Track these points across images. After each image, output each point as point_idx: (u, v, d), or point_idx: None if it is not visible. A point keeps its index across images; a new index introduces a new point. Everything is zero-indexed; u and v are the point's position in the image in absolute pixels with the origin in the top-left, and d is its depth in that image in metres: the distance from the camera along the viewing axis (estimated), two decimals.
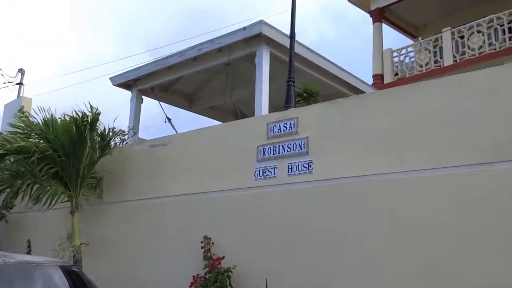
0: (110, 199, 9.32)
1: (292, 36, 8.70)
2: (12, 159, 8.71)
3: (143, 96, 12.03)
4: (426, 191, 5.77)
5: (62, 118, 8.86)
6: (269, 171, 7.19)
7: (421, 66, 14.83)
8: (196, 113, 13.90)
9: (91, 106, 8.84)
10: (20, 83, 18.58)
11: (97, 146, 8.97)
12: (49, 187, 8.58)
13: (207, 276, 7.05)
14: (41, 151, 8.47)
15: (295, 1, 8.93)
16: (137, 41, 49.02)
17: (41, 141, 8.85)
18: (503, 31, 13.37)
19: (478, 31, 13.68)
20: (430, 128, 5.91)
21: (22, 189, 8.53)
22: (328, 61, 10.86)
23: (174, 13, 50.75)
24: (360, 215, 6.18)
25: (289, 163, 7.00)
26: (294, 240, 6.66)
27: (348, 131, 6.63)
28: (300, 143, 6.97)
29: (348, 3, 17.46)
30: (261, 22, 9.20)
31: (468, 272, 5.31)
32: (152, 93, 11.89)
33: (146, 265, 8.25)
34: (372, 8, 16.80)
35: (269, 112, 9.02)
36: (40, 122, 8.94)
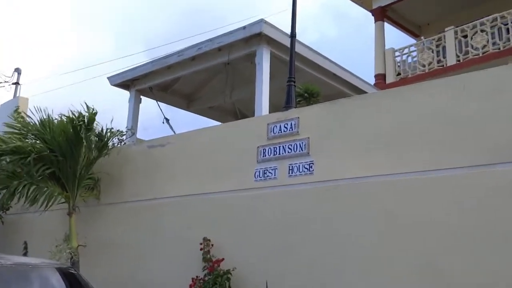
0: (107, 200, 9.33)
1: (292, 35, 8.70)
2: (8, 159, 8.72)
3: (141, 96, 12.05)
4: (427, 192, 5.78)
5: (59, 119, 8.87)
6: (269, 172, 7.19)
7: (423, 66, 14.84)
8: (196, 113, 13.91)
9: (87, 106, 8.86)
10: (17, 83, 18.57)
11: (93, 146, 8.98)
12: (46, 188, 8.60)
13: (206, 278, 7.06)
14: (38, 152, 8.48)
15: (295, 0, 8.94)
16: (137, 41, 49.09)
17: (37, 141, 8.87)
18: (507, 30, 13.36)
19: (482, 30, 13.69)
20: (432, 129, 5.92)
21: (19, 190, 8.54)
22: (330, 60, 10.87)
23: (173, 13, 50.86)
24: (361, 216, 6.19)
25: (289, 164, 7.01)
26: (294, 241, 6.67)
27: (349, 132, 6.64)
28: (301, 143, 6.98)
29: (350, 1, 17.49)
30: (261, 21, 9.22)
31: (468, 272, 5.32)
32: (151, 93, 11.91)
33: (144, 267, 8.26)
34: (374, 6, 16.81)
35: (270, 112, 9.03)
36: (37, 123, 8.95)
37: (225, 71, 11.18)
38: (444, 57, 14.42)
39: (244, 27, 9.42)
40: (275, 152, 7.21)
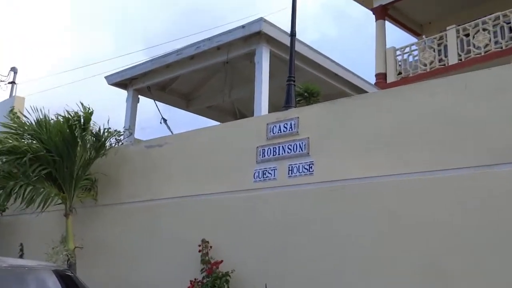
0: (105, 201, 9.31)
1: (292, 34, 8.69)
2: (4, 159, 8.70)
3: (139, 96, 12.04)
4: (429, 192, 5.78)
5: (55, 119, 8.86)
6: (268, 172, 7.19)
7: (425, 65, 14.83)
8: (194, 113, 13.91)
9: (83, 105, 8.86)
10: (13, 82, 18.59)
11: (89, 146, 8.97)
12: (42, 189, 8.58)
13: (204, 281, 7.05)
14: (34, 152, 8.47)
15: None
16: (136, 40, 49.12)
17: (34, 141, 8.85)
18: (510, 29, 13.35)
19: (484, 29, 13.68)
20: (433, 129, 5.92)
21: (15, 191, 8.53)
22: (330, 59, 10.87)
23: (173, 12, 50.90)
24: (362, 217, 6.18)
25: (289, 165, 7.00)
26: (294, 243, 6.66)
27: (350, 132, 6.63)
28: (301, 144, 6.97)
29: (351, 0, 17.48)
30: (261, 19, 9.21)
31: (470, 273, 5.32)
32: (149, 92, 11.90)
33: (142, 269, 8.25)
34: (375, 5, 16.80)
35: (269, 112, 9.03)
36: (33, 122, 8.94)
37: (224, 70, 11.17)
38: (446, 56, 14.41)
39: (243, 26, 9.41)
40: (274, 153, 7.20)
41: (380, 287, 5.88)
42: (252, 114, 9.76)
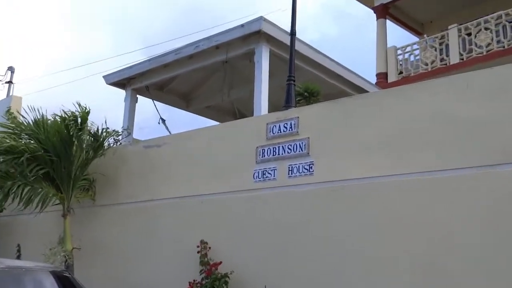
0: (103, 202, 9.32)
1: (292, 33, 8.70)
2: (1, 159, 8.71)
3: (138, 95, 12.03)
4: (430, 193, 5.79)
5: (53, 119, 8.87)
6: (268, 173, 7.19)
7: (426, 64, 14.85)
8: (193, 112, 13.91)
9: (79, 105, 8.87)
10: (10, 82, 18.58)
11: (85, 146, 8.96)
12: (40, 189, 8.58)
13: (203, 282, 7.05)
14: (32, 152, 8.47)
15: None
16: (135, 40, 49.10)
17: (31, 141, 8.86)
18: None
19: (486, 28, 13.70)
20: (435, 129, 5.93)
21: (13, 191, 8.53)
22: (330, 59, 10.87)
23: (173, 11, 50.87)
24: (362, 218, 6.19)
25: (289, 165, 7.01)
26: (294, 244, 6.67)
27: (350, 132, 6.64)
28: (301, 144, 6.98)
29: None
30: (261, 18, 9.21)
31: (470, 273, 5.33)
32: (147, 92, 11.90)
33: (140, 270, 8.26)
34: (376, 4, 16.82)
35: (269, 111, 9.03)
36: (31, 122, 8.94)
37: (223, 70, 11.17)
38: (447, 55, 14.43)
39: (242, 25, 9.41)
40: (274, 153, 7.20)
41: (380, 287, 5.89)
42: (251, 114, 9.76)
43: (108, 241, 8.92)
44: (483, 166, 5.50)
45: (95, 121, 9.20)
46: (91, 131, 9.14)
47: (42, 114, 8.90)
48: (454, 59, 14.16)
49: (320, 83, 9.63)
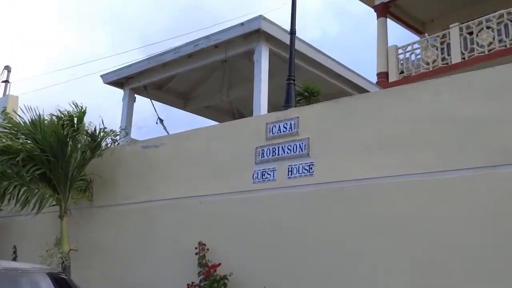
0: (100, 203, 9.31)
1: (292, 32, 8.69)
2: None
3: (136, 95, 12.03)
4: (431, 194, 5.78)
5: (49, 119, 8.86)
6: (268, 173, 7.19)
7: (427, 64, 14.85)
8: (192, 112, 13.91)
9: (76, 105, 8.86)
10: (7, 81, 18.56)
11: (80, 146, 8.95)
12: (36, 190, 8.57)
13: (202, 284, 7.05)
14: (28, 152, 8.46)
15: None
16: (133, 39, 49.10)
17: (28, 141, 8.84)
18: None
19: (488, 27, 13.69)
20: (436, 129, 5.93)
21: (9, 191, 8.52)
22: (331, 58, 10.87)
23: (172, 11, 50.89)
24: (362, 219, 6.18)
25: (289, 165, 7.00)
26: (294, 246, 6.66)
27: (351, 132, 6.63)
28: (301, 144, 6.97)
29: None
30: (260, 17, 9.21)
31: (471, 274, 5.33)
32: (146, 91, 11.90)
33: (138, 272, 8.25)
34: (377, 2, 16.81)
35: (268, 111, 9.03)
36: (28, 122, 8.94)
37: (222, 69, 11.18)
38: (449, 54, 14.42)
39: (242, 24, 9.41)
40: (274, 153, 7.20)
41: (380, 287, 5.90)
42: (251, 114, 9.76)
43: (105, 243, 8.91)
44: (484, 167, 5.50)
45: (93, 121, 9.22)
46: (89, 131, 9.13)
47: (39, 114, 8.90)
48: (455, 58, 14.15)
49: (320, 83, 9.63)
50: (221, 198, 7.61)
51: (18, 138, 8.92)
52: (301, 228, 6.67)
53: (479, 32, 13.84)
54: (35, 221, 9.20)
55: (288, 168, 7.00)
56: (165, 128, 11.85)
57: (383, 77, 15.73)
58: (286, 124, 7.20)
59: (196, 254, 7.30)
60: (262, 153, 7.31)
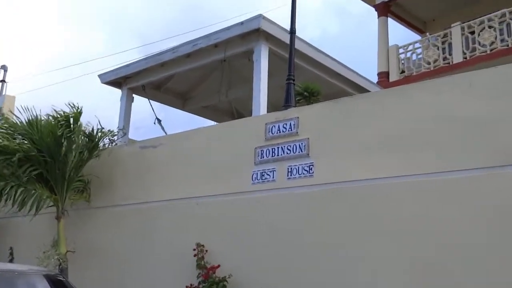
0: (98, 204, 9.31)
1: (292, 31, 8.70)
2: None
3: (134, 95, 12.04)
4: (434, 195, 5.79)
5: (47, 119, 8.86)
6: (267, 174, 7.19)
7: (429, 63, 14.85)
8: (190, 112, 13.92)
9: (73, 105, 8.86)
10: (3, 81, 18.59)
11: (74, 147, 8.93)
12: (33, 191, 8.56)
13: (200, 286, 7.05)
14: (25, 152, 8.46)
15: None
16: (131, 38, 49.19)
17: (25, 141, 8.84)
18: None
19: (490, 26, 13.70)
20: (438, 129, 5.93)
21: (6, 192, 8.51)
22: (331, 58, 10.87)
23: (172, 11, 50.93)
24: (363, 220, 6.19)
25: (288, 166, 7.00)
26: (293, 248, 6.66)
27: (351, 132, 6.64)
28: (301, 144, 6.97)
29: None
30: (260, 16, 9.21)
31: (472, 275, 5.34)
32: (144, 91, 11.90)
33: (136, 274, 8.25)
34: (378, 1, 16.81)
35: (268, 111, 9.03)
36: (24, 122, 8.93)
37: (221, 69, 11.18)
38: (450, 54, 14.42)
39: (241, 23, 9.41)
40: (273, 153, 7.20)
41: (380, 287, 5.91)
42: (250, 114, 9.76)
43: (103, 244, 8.91)
44: (485, 168, 5.51)
45: (91, 121, 9.22)
46: (86, 131, 9.13)
47: (36, 114, 8.89)
48: (457, 58, 14.15)
49: (320, 82, 9.64)
50: (220, 199, 7.61)
51: (15, 138, 8.91)
52: (301, 229, 6.67)
53: (481, 31, 13.84)
54: (32, 222, 9.18)
55: (288, 168, 7.00)
56: (163, 128, 11.87)
57: (383, 76, 15.73)
58: (286, 124, 7.20)
59: (195, 255, 7.30)
60: (262, 154, 7.31)
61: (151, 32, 47.55)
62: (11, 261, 9.89)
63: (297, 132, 7.06)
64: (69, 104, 8.87)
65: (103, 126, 9.30)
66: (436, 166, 5.83)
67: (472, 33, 14.03)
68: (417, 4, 16.72)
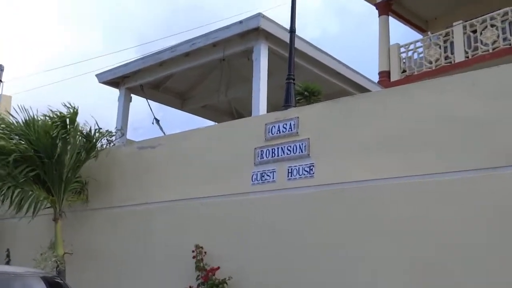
0: (95, 205, 9.31)
1: (292, 30, 8.70)
2: None
3: (132, 95, 12.02)
4: (434, 195, 5.79)
5: (43, 119, 8.85)
6: (267, 175, 7.19)
7: (430, 63, 14.86)
8: (189, 112, 13.91)
9: (69, 105, 8.86)
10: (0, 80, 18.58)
11: (70, 147, 8.93)
12: (30, 192, 8.55)
13: None
14: (22, 152, 8.45)
15: None
16: (129, 37, 49.20)
17: (22, 141, 8.84)
18: None
19: (492, 25, 13.71)
20: (439, 129, 5.93)
21: (3, 192, 8.51)
22: (331, 57, 10.87)
23: (171, 11, 50.93)
24: (363, 220, 6.19)
25: (288, 167, 7.01)
26: (294, 248, 6.67)
27: (352, 132, 6.64)
28: (301, 145, 6.97)
29: None
30: (259, 15, 9.20)
31: (472, 275, 5.36)
32: (142, 91, 11.89)
33: (134, 276, 8.25)
34: (378, 0, 16.83)
35: (268, 111, 9.02)
36: (21, 122, 8.93)
37: (220, 68, 11.16)
38: (452, 53, 14.43)
39: (240, 22, 9.40)
40: (273, 154, 7.20)
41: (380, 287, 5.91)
42: (249, 114, 9.75)
43: (100, 246, 8.91)
44: (485, 169, 5.51)
45: (88, 121, 9.22)
46: (83, 131, 9.12)
47: (33, 114, 8.89)
48: (459, 57, 14.16)
49: (320, 82, 9.63)
50: (220, 200, 7.61)
51: (11, 139, 8.91)
52: (301, 230, 6.67)
53: (483, 30, 13.85)
54: (29, 224, 9.18)
55: (288, 169, 7.00)
56: (161, 128, 11.86)
57: (384, 76, 15.74)
58: (286, 124, 7.20)
59: (194, 257, 7.30)
60: (261, 154, 7.31)
61: (150, 32, 47.62)
62: (7, 263, 9.89)
63: (297, 132, 7.07)
64: (65, 104, 8.88)
65: (101, 127, 9.32)
66: (435, 167, 5.84)
67: (474, 32, 14.03)
68: (419, 2, 16.73)
